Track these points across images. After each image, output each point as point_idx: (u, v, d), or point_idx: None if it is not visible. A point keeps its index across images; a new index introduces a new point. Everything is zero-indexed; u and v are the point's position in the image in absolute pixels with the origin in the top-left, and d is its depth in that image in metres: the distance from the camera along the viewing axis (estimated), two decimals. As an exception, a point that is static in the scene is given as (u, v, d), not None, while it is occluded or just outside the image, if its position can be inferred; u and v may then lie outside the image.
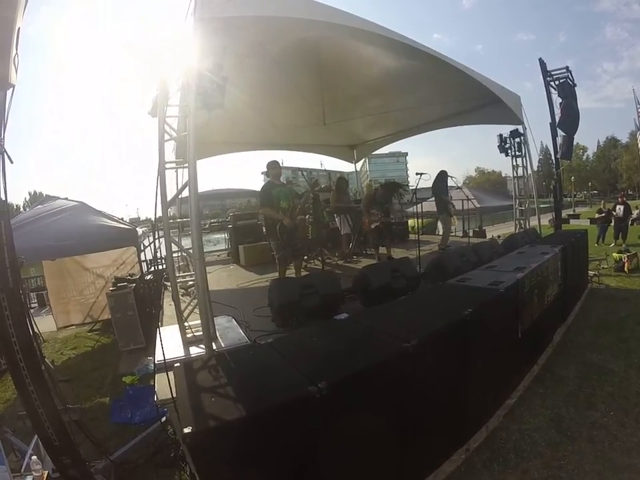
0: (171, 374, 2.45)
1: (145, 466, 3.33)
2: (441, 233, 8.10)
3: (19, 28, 2.41)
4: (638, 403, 3.43)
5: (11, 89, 2.44)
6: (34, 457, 2.71)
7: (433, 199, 7.67)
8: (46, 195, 7.88)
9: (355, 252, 7.47)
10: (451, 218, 7.85)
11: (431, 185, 7.61)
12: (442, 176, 7.47)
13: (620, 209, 11.83)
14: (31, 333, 2.58)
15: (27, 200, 60.61)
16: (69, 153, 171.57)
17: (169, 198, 3.18)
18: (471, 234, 9.70)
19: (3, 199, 2.52)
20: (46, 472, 2.72)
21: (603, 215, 12.52)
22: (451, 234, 8.91)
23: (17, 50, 2.41)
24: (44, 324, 7.92)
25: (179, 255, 6.32)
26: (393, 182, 6.82)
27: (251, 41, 4.52)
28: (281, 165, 5.41)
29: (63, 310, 8.08)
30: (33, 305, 10.77)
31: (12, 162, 2.57)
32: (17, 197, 62.57)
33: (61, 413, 2.76)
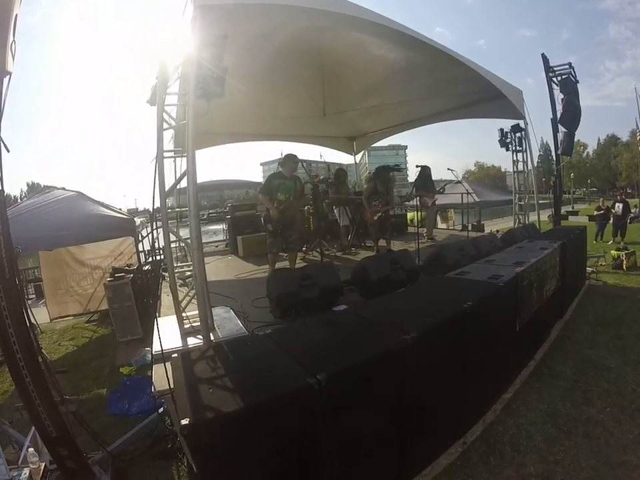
0: (168, 365, 2.45)
1: (142, 457, 3.32)
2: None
3: (16, 15, 2.37)
4: (634, 400, 3.44)
5: (8, 76, 2.40)
6: (31, 449, 2.70)
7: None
8: (44, 185, 7.82)
9: (354, 244, 7.46)
10: (430, 210, 7.95)
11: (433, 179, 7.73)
12: (422, 171, 7.60)
13: (619, 206, 11.78)
14: (28, 324, 2.56)
15: (25, 191, 60.38)
16: (69, 149, 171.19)
17: (167, 188, 3.16)
18: (469, 228, 9.71)
19: (0, 188, 2.49)
20: (43, 464, 2.71)
21: (602, 212, 12.50)
22: (450, 228, 8.92)
23: (14, 37, 2.37)
24: (42, 315, 7.88)
25: (177, 245, 6.31)
26: (385, 166, 6.70)
27: (252, 31, 4.47)
28: (297, 160, 5.47)
29: (60, 301, 8.04)
30: (30, 296, 10.74)
31: (8, 151, 2.54)
32: (15, 189, 62.70)
33: (58, 405, 2.75)
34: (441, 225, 9.21)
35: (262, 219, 5.47)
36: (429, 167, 7.90)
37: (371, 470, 2.40)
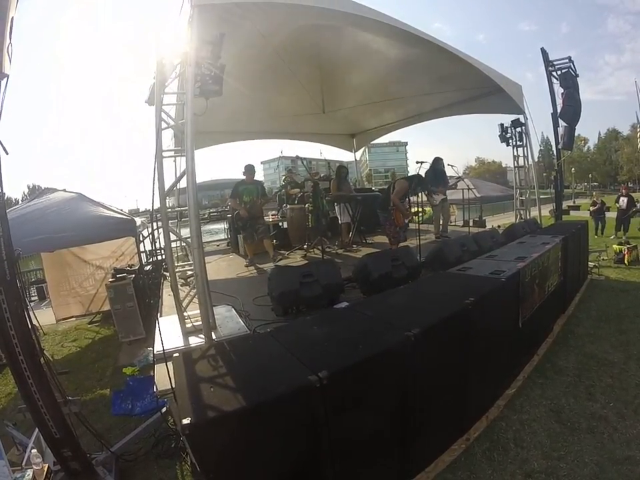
0: (170, 364, 2.44)
1: (146, 457, 3.33)
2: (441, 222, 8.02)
3: (12, 17, 2.37)
4: (637, 395, 3.43)
5: (5, 78, 2.40)
6: (34, 451, 2.71)
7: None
8: (44, 187, 7.81)
9: (355, 241, 7.45)
10: (438, 207, 7.80)
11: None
12: (433, 164, 7.44)
13: (623, 200, 11.73)
14: (29, 325, 2.56)
15: (26, 194, 60.43)
16: (69, 149, 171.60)
17: (167, 187, 3.16)
18: (470, 223, 9.68)
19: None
20: (46, 465, 2.72)
21: (597, 207, 12.49)
22: (451, 223, 8.86)
23: (10, 39, 2.37)
24: (44, 317, 7.91)
25: (179, 244, 6.31)
26: (418, 177, 6.14)
27: (250, 30, 4.45)
28: (254, 169, 6.72)
29: (63, 302, 8.04)
30: (33, 299, 10.76)
31: (7, 153, 2.54)
32: (16, 192, 63.08)
33: (61, 406, 2.76)
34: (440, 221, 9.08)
35: (233, 218, 6.51)
36: (441, 159, 7.67)
37: (374, 468, 2.39)
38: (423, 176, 6.32)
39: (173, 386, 2.24)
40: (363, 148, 13.84)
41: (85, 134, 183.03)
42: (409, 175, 6.58)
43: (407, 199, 6.19)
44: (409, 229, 8.75)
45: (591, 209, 12.90)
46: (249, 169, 6.58)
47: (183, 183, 3.14)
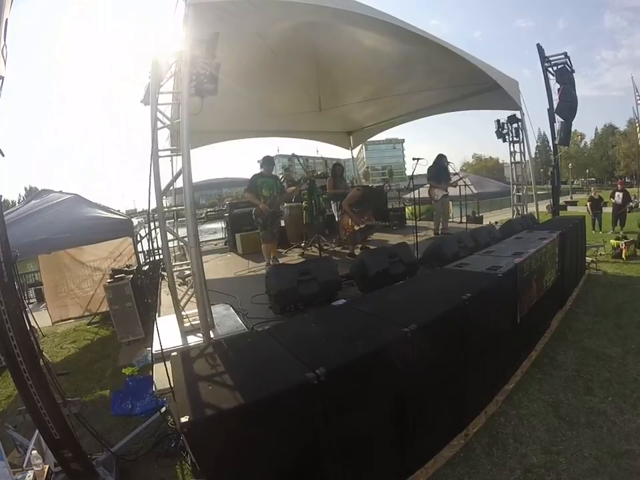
0: (168, 364, 2.44)
1: (146, 457, 3.34)
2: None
3: (7, 19, 2.37)
4: (635, 389, 3.45)
5: (0, 80, 2.40)
6: (34, 452, 2.71)
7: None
8: (41, 189, 7.78)
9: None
10: (439, 204, 7.73)
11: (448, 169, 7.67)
12: (437, 160, 7.42)
13: (619, 195, 11.78)
14: (28, 327, 2.56)
15: (23, 196, 60.22)
16: (69, 149, 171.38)
17: (164, 187, 3.15)
18: (466, 220, 9.67)
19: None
20: (47, 466, 2.72)
21: (593, 203, 12.54)
22: (449, 220, 8.85)
23: (4, 41, 2.37)
24: (43, 319, 7.90)
25: (176, 244, 6.31)
26: (378, 191, 6.40)
27: (245, 28, 4.44)
28: (274, 161, 6.20)
29: (61, 304, 8.04)
30: (31, 301, 10.74)
31: (3, 155, 2.54)
32: (13, 194, 63.01)
33: (61, 407, 2.76)
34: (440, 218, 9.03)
35: (252, 215, 5.91)
36: (444, 156, 7.60)
37: (373, 464, 2.40)
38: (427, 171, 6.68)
39: (172, 385, 2.24)
40: (360, 145, 13.80)
41: (85, 134, 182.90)
42: (368, 185, 6.62)
43: (366, 210, 6.08)
44: (406, 225, 8.84)
45: (588, 204, 12.92)
46: (268, 161, 6.08)
47: (179, 183, 3.14)
